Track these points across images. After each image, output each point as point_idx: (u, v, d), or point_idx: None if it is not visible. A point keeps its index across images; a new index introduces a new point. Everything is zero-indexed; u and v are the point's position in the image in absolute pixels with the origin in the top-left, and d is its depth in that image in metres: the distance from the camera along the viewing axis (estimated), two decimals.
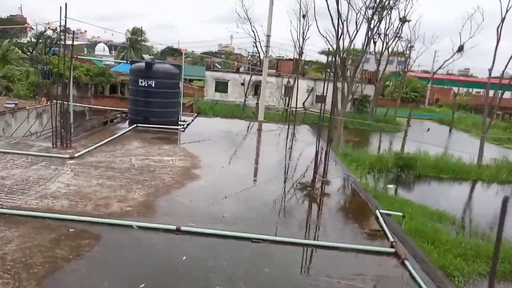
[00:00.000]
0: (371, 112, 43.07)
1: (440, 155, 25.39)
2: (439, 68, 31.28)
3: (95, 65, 39.90)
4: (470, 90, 71.29)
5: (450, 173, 23.19)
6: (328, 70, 45.73)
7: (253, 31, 35.94)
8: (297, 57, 41.17)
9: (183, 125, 10.50)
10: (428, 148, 25.25)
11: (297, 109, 37.72)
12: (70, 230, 3.97)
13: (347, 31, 29.64)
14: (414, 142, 25.50)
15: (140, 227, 4.15)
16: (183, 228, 4.15)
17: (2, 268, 3.19)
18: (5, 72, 28.67)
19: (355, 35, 30.20)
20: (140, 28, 56.57)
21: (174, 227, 4.14)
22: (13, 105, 10.95)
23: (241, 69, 51.37)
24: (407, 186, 21.08)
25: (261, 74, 46.04)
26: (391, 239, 4.26)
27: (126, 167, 6.29)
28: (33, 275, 3.13)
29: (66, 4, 6.96)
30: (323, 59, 49.64)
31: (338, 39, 29.20)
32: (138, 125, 9.80)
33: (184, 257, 3.65)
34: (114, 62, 47.81)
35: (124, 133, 8.88)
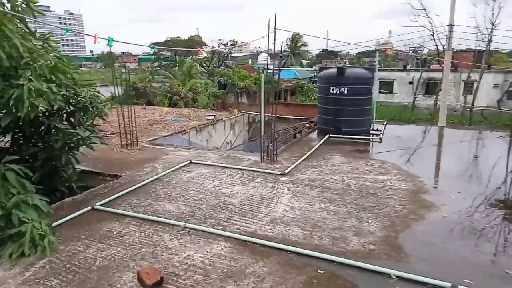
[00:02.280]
0: None
1: None
2: None
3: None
4: None
5: None
6: None
7: (430, 22, 31.98)
8: (481, 48, 35.02)
9: (377, 134, 9.46)
10: None
11: (481, 109, 31.92)
12: (319, 271, 3.44)
13: None
14: None
15: (399, 278, 3.33)
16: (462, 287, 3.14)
17: None
18: (191, 86, 33.05)
19: None
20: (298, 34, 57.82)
21: (448, 285, 3.17)
22: (212, 117, 11.92)
23: (408, 66, 47.06)
24: None
25: (432, 70, 41.07)
26: None
27: (342, 187, 5.65)
28: None
29: (275, 14, 6.83)
30: None
31: None
32: (331, 136, 9.23)
33: None
34: (306, 70, 49.95)
35: (319, 145, 8.40)
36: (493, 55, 46.68)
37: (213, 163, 6.93)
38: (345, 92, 9.33)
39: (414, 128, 13.07)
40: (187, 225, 4.35)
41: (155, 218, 4.55)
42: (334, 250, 3.83)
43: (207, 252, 3.80)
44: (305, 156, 7.33)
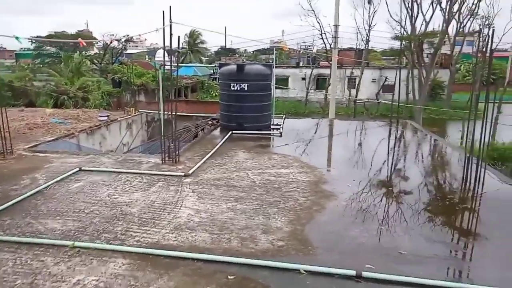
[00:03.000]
0: (447, 99, 39.39)
1: None
2: None
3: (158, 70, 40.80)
4: None
5: None
6: (396, 58, 42.33)
7: (318, 22, 34.45)
8: (361, 47, 39.00)
9: (277, 128, 9.71)
10: None
11: (364, 101, 35.58)
12: (230, 277, 3.26)
13: (421, 11, 27.24)
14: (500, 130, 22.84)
15: (308, 272, 3.33)
16: (365, 274, 3.26)
17: None
18: (80, 84, 30.12)
19: (432, 16, 27.71)
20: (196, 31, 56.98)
21: (353, 273, 3.27)
22: (106, 117, 10.90)
23: (301, 63, 50.11)
24: None
25: (321, 67, 44.32)
26: None
27: (248, 184, 5.57)
28: None
29: (170, 7, 6.39)
30: (393, 46, 46.11)
31: (413, 22, 26.93)
32: (233, 132, 9.16)
33: None
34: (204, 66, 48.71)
35: (223, 142, 8.26)
36: (370, 53, 52.28)
37: (107, 169, 6.26)
38: (246, 88, 9.36)
39: (309, 121, 13.81)
40: (77, 243, 3.77)
41: (35, 240, 3.85)
42: (244, 251, 3.69)
43: (102, 273, 3.32)
44: (209, 155, 7.11)
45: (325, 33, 34.53)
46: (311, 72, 41.96)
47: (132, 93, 33.10)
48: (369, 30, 34.78)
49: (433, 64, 28.25)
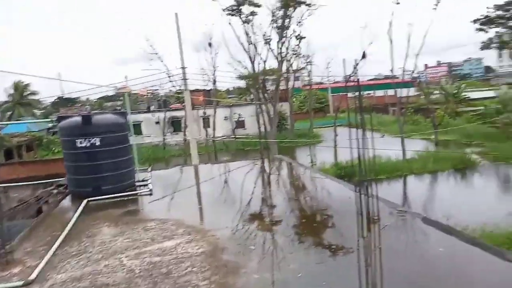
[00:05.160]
0: (291, 128, 43.48)
1: (372, 158, 25.98)
2: (351, 76, 32.69)
3: None
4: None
5: (387, 173, 23.75)
6: (241, 95, 45.10)
7: (164, 65, 33.94)
8: (208, 87, 40.22)
9: (145, 185, 8.28)
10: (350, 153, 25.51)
11: (223, 138, 36.38)
12: None
13: (258, 53, 29.80)
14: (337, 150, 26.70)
15: None
16: None
17: None
18: None
19: (267, 56, 30.55)
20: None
21: None
22: None
23: (152, 107, 48.45)
24: None
25: (173, 110, 43.90)
26: None
27: (125, 277, 4.09)
28: None
29: None
30: (239, 85, 48.98)
31: (252, 61, 29.14)
32: (90, 200, 7.33)
33: None
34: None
35: (78, 217, 6.39)
36: (217, 93, 54.46)
37: None
38: (98, 143, 7.72)
39: (176, 171, 12.52)
40: None
41: None
42: None
43: None
44: (59, 240, 5.23)
45: (173, 76, 34.25)
46: (164, 115, 40.89)
47: None
48: (214, 71, 36.13)
49: (277, 98, 30.84)
